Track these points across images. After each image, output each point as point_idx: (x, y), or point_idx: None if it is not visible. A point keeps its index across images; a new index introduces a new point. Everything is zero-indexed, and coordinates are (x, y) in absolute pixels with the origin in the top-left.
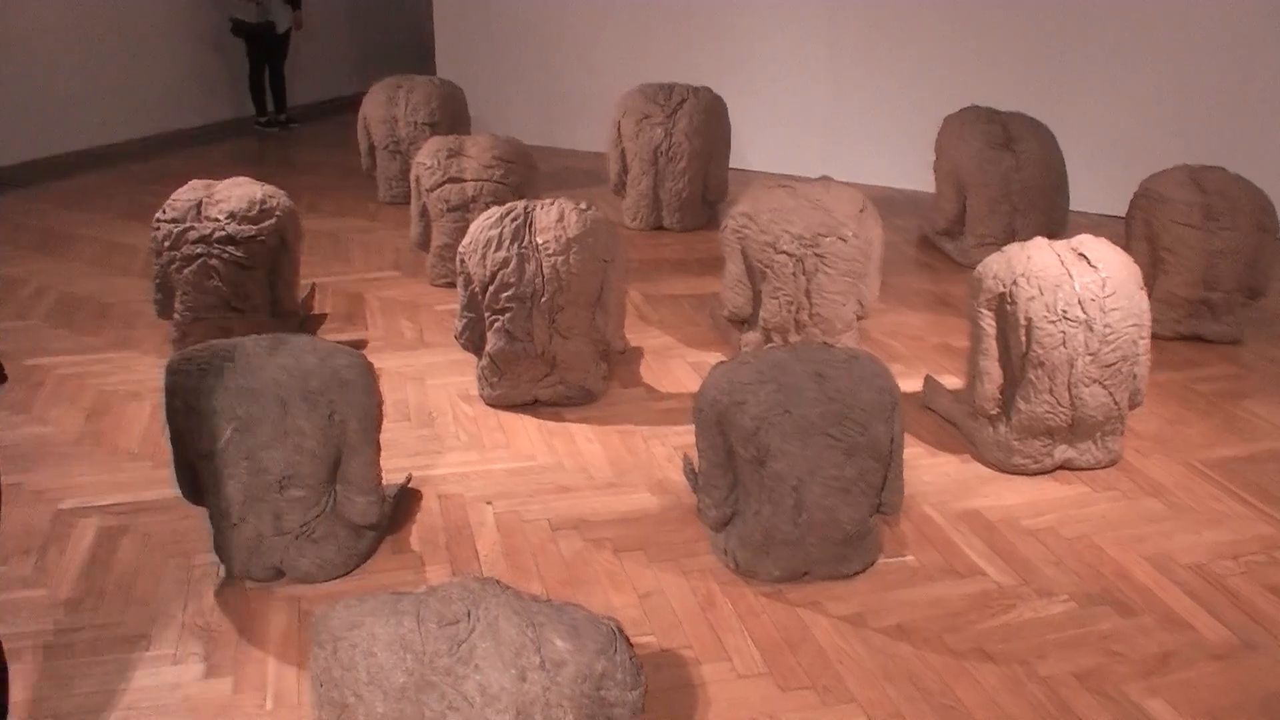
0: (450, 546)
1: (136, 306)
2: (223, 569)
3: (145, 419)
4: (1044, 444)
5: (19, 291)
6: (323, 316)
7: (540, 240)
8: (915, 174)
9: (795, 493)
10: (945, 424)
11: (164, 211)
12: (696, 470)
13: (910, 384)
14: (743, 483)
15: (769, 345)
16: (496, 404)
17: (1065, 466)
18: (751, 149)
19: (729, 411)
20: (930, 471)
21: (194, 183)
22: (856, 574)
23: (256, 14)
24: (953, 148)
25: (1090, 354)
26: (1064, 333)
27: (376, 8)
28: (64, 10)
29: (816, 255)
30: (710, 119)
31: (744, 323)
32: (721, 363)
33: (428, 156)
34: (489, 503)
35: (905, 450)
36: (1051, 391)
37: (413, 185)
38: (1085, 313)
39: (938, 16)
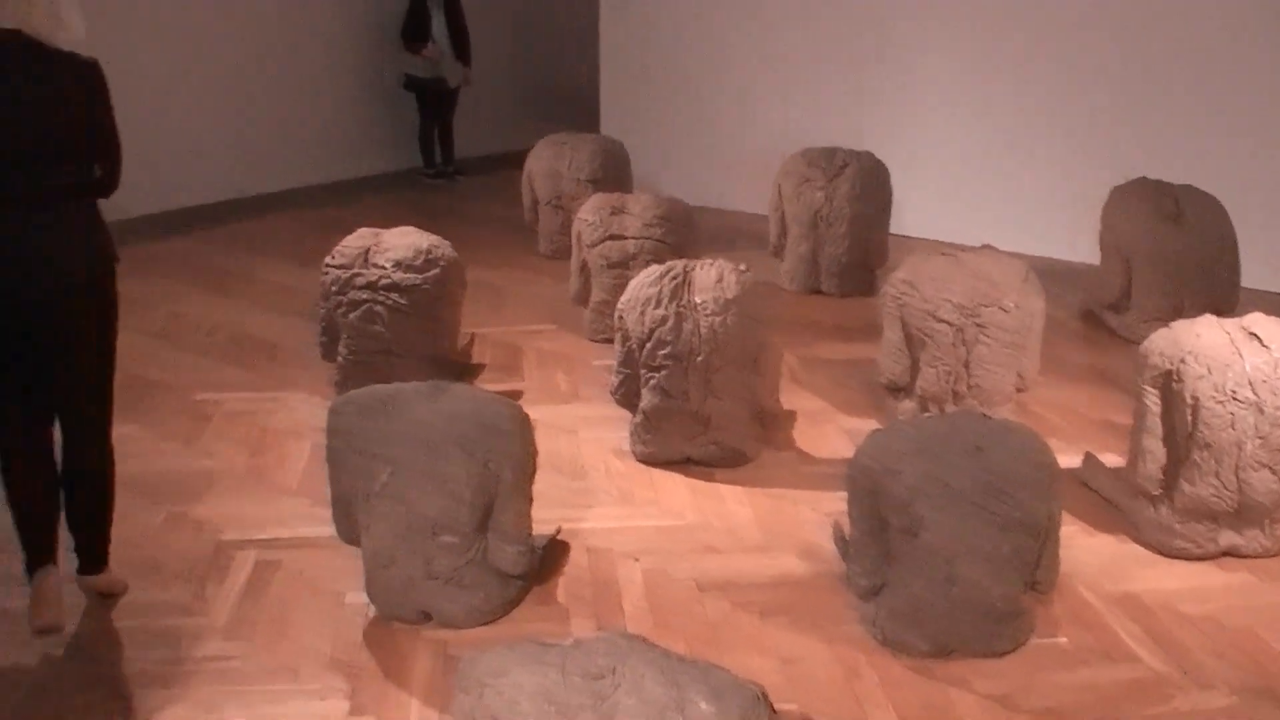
0: (596, 600)
1: (302, 348)
2: (372, 609)
3: (305, 457)
4: (1208, 528)
5: (193, 329)
6: (480, 366)
7: (699, 300)
8: (1080, 245)
9: (947, 566)
10: (1104, 503)
11: (333, 257)
12: (847, 538)
13: (1069, 460)
14: (894, 553)
15: (925, 414)
16: (648, 461)
17: (1229, 553)
18: (913, 215)
19: (882, 480)
20: (1087, 551)
21: (362, 231)
22: (1007, 653)
23: (429, 70)
24: (1120, 220)
25: (1260, 437)
26: (1232, 414)
27: (544, 65)
28: (246, 61)
29: (977, 325)
30: (871, 184)
31: (900, 391)
32: (876, 430)
33: (590, 213)
34: (636, 559)
35: (1062, 528)
36: (1218, 474)
37: (574, 240)
38: (1256, 394)
39: (1107, 85)
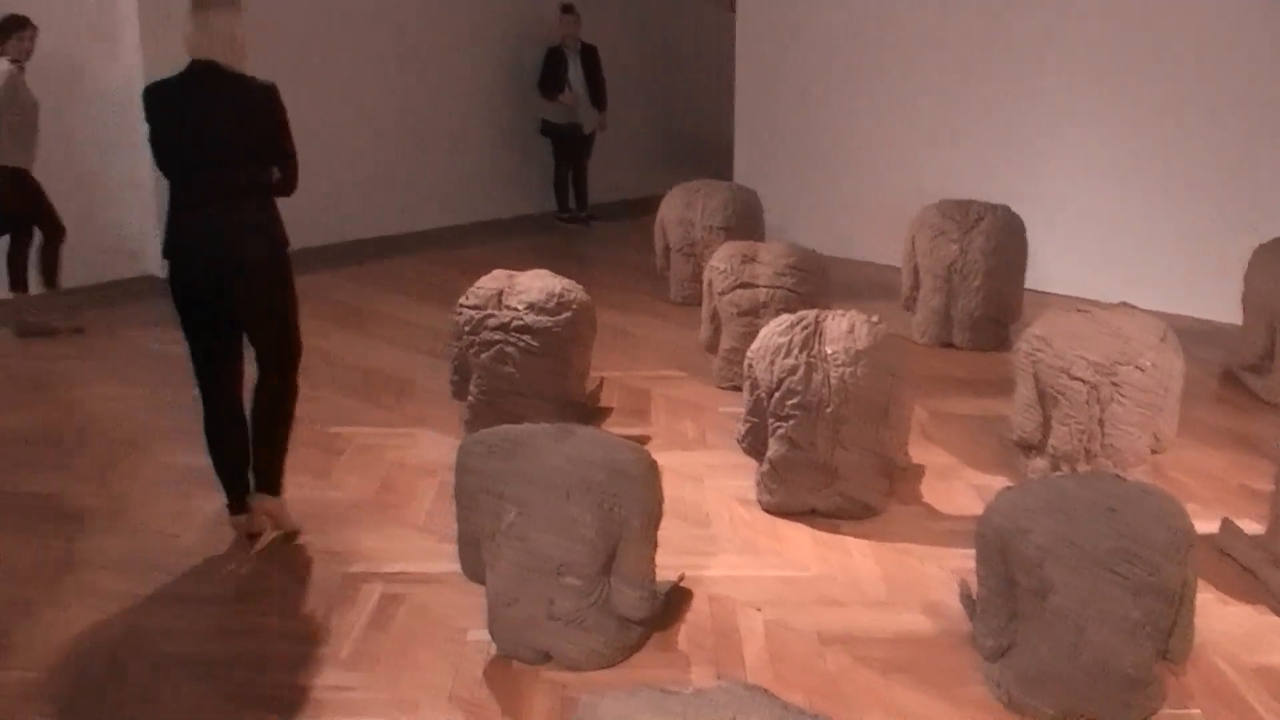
0: (717, 649)
1: (433, 386)
2: (493, 647)
3: (433, 494)
4: None
5: (329, 364)
6: (609, 410)
7: (829, 350)
8: (1221, 304)
9: (1076, 630)
10: (1242, 571)
11: (467, 298)
12: (974, 596)
13: (1205, 525)
14: (1022, 614)
15: (1057, 474)
16: (774, 511)
17: None
18: (1048, 270)
19: (1012, 539)
20: (1223, 620)
21: (497, 272)
22: None
23: (565, 115)
24: (1263, 280)
25: None
26: None
27: (679, 113)
28: (390, 103)
29: (1112, 384)
30: (1007, 238)
31: (1032, 448)
32: (1007, 488)
33: (721, 260)
34: (758, 609)
35: (1197, 596)
36: None
37: (705, 288)
38: None
39: (1252, 142)
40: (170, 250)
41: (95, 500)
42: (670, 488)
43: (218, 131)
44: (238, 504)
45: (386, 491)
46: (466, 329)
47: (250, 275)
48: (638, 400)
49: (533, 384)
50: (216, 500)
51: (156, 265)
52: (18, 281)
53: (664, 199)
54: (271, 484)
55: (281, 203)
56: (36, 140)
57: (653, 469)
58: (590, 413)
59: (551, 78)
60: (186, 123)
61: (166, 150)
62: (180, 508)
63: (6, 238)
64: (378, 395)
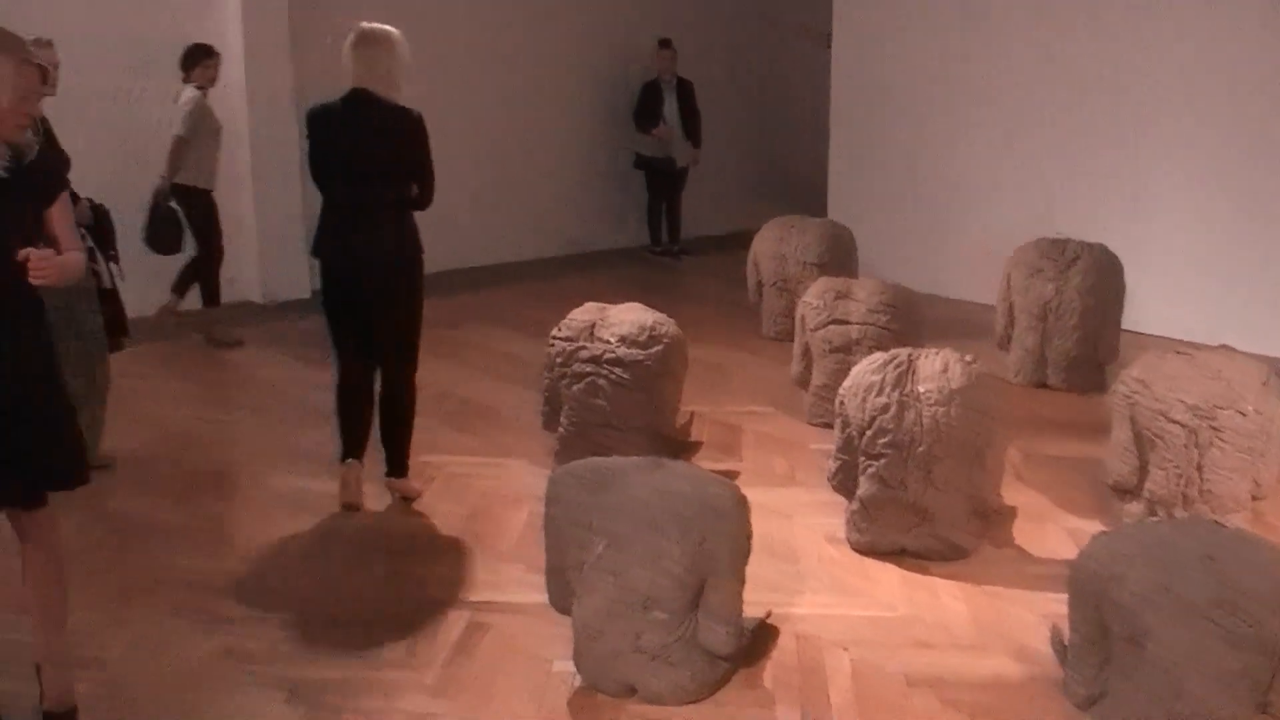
0: (803, 688)
1: (524, 416)
2: (578, 678)
3: (522, 524)
4: None
5: (422, 391)
6: (699, 444)
7: (922, 389)
8: None
9: (1173, 680)
10: None
11: (560, 329)
12: (1065, 642)
13: None
14: (1115, 661)
15: (1153, 519)
16: (863, 550)
17: None
18: (1146, 310)
19: (1107, 585)
20: None
21: (589, 305)
22: None
23: (659, 149)
24: None
25: None
26: None
27: (773, 148)
28: (485, 136)
29: (1212, 428)
30: (1104, 277)
31: (1128, 493)
32: (1102, 533)
33: (814, 296)
34: (845, 649)
35: None
36: None
37: (797, 323)
38: None
39: None
40: (320, 249)
41: (188, 520)
42: (759, 524)
43: (371, 150)
44: (350, 452)
45: (476, 520)
46: (558, 360)
47: (390, 273)
48: (728, 435)
49: (623, 417)
50: (304, 524)
51: (253, 292)
52: (211, 297)
53: (757, 234)
54: (399, 468)
55: None
56: (218, 162)
57: (742, 504)
58: (680, 447)
59: (647, 112)
60: (344, 141)
61: (323, 164)
62: (270, 530)
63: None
64: (469, 424)
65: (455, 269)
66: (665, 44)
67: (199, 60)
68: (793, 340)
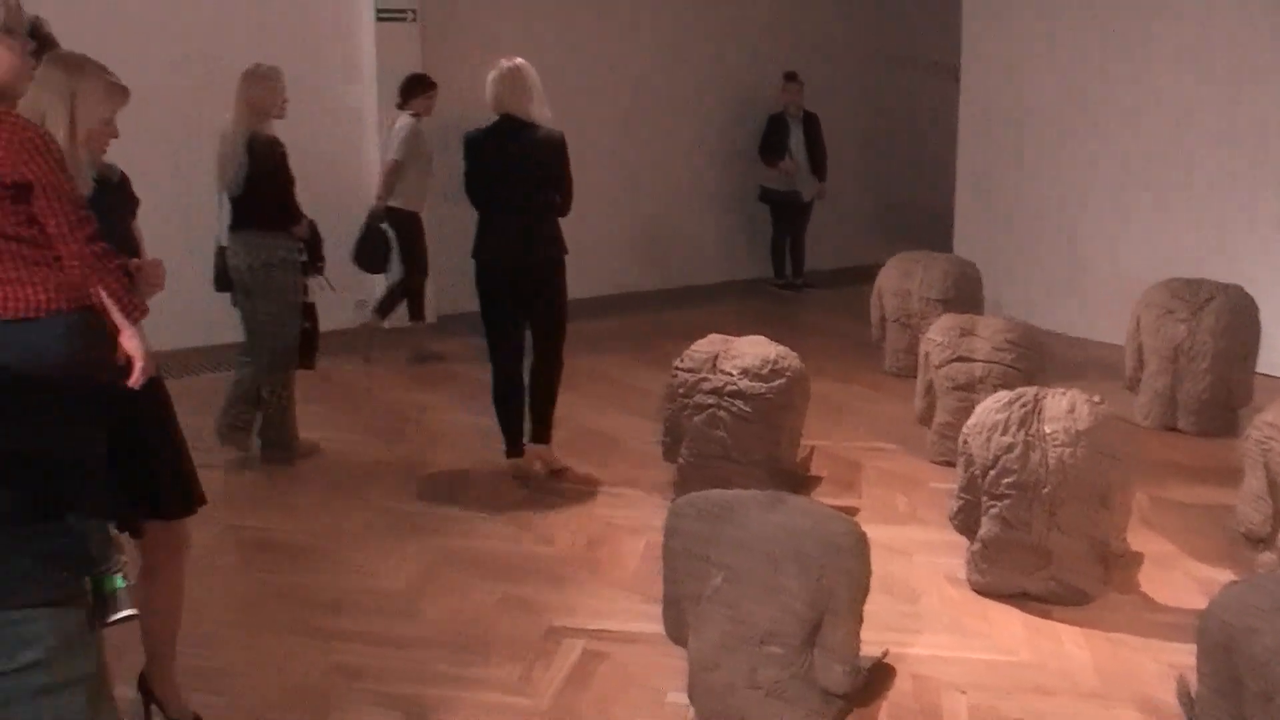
0: None
1: (644, 446)
2: (692, 710)
3: (640, 554)
4: None
5: None
6: (819, 479)
7: (1048, 430)
8: None
9: None
10: None
11: (682, 360)
12: (1193, 695)
13: None
14: (1246, 717)
15: None
16: (983, 591)
17: None
18: None
19: (1239, 638)
20: None
21: (713, 337)
22: None
23: (784, 183)
24: None
25: None
26: None
27: (899, 183)
28: (610, 168)
29: None
30: (1238, 319)
31: (1260, 542)
32: (1233, 583)
33: (939, 333)
34: (963, 692)
35: None
36: None
37: (921, 360)
38: None
39: None
40: (479, 253)
41: (309, 537)
42: (878, 562)
43: (521, 166)
44: (515, 449)
45: (594, 548)
46: (680, 392)
47: (540, 270)
48: (848, 471)
49: (744, 449)
50: (422, 545)
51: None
52: (417, 312)
53: (882, 269)
54: (544, 435)
55: None
56: (428, 187)
57: (862, 541)
58: (800, 481)
59: (772, 145)
60: (498, 159)
61: (479, 181)
62: (389, 551)
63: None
64: (590, 453)
65: (578, 298)
66: (791, 77)
67: (419, 90)
68: (915, 377)
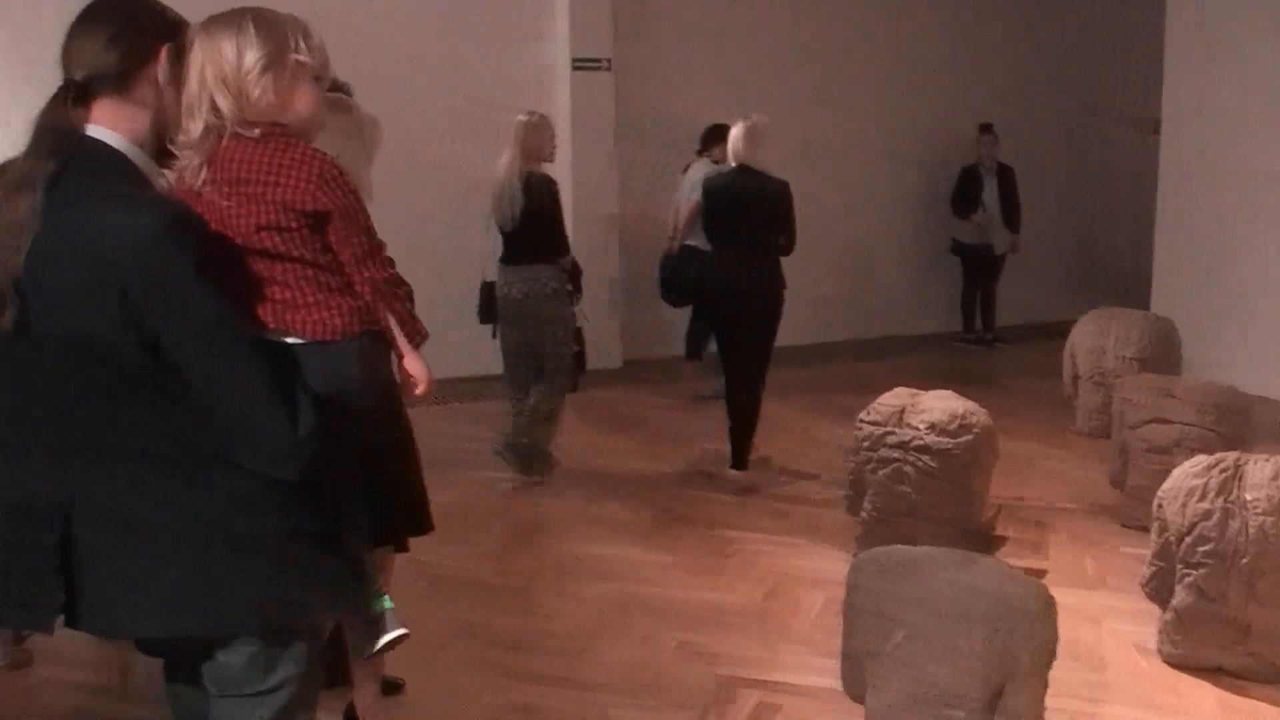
0: None
1: (825, 498)
2: None
3: (818, 607)
4: None
5: (724, 467)
6: (1005, 539)
7: (1249, 497)
8: None
9: None
10: None
11: (868, 413)
12: None
13: None
14: None
15: None
16: (1175, 663)
17: None
18: None
19: None
20: None
21: (899, 390)
22: None
23: (977, 235)
24: None
25: None
26: None
27: (1095, 237)
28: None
29: None
30: None
31: None
32: None
33: (1134, 392)
34: None
35: None
36: None
37: (1115, 419)
38: None
39: None
40: (708, 281)
41: (495, 576)
42: (1065, 627)
43: (752, 209)
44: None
45: (772, 599)
46: (865, 445)
47: (757, 300)
48: (1036, 532)
49: (929, 506)
50: (604, 590)
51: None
52: (694, 350)
53: (1075, 325)
54: (740, 462)
55: None
56: None
57: (1049, 605)
58: (986, 540)
59: (965, 196)
60: (734, 203)
61: (715, 220)
62: (570, 593)
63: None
64: (771, 502)
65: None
66: (986, 129)
67: (717, 138)
68: (1108, 437)
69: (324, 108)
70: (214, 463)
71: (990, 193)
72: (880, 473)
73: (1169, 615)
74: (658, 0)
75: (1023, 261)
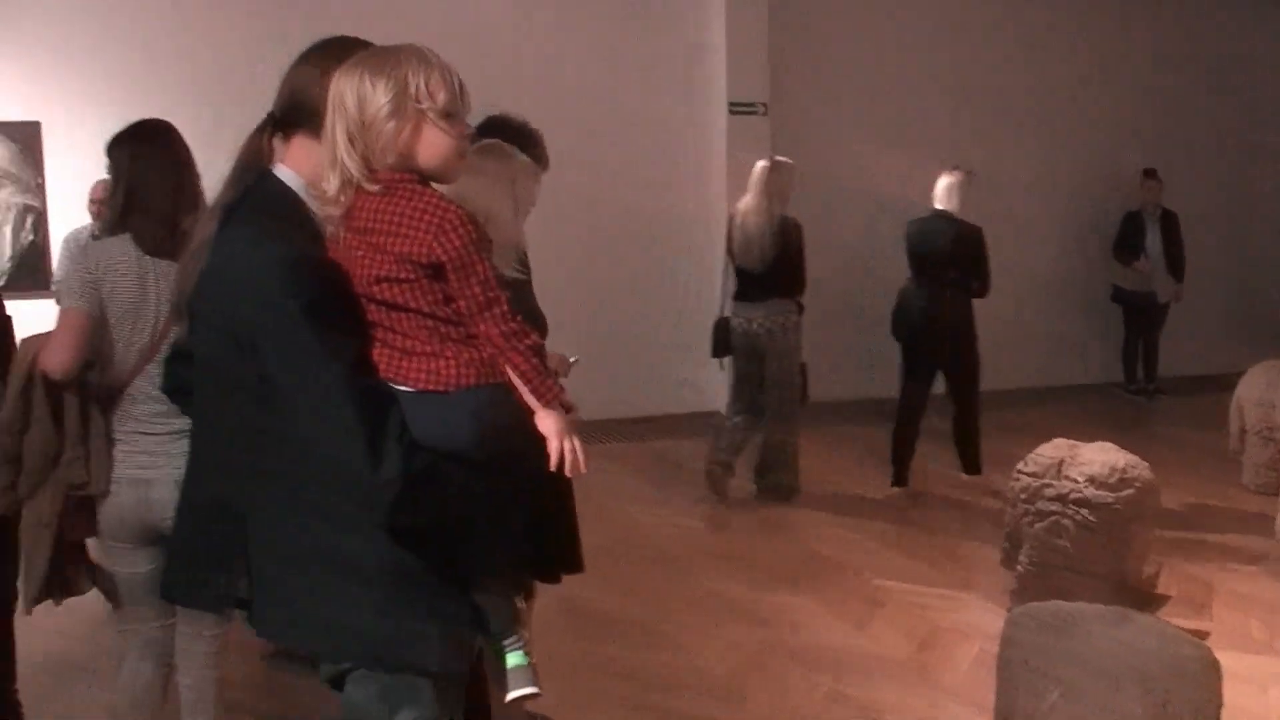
0: None
1: (982, 550)
2: None
3: (971, 660)
4: None
5: (873, 513)
6: (1166, 598)
7: None
8: None
9: None
10: None
11: (1025, 464)
12: None
13: None
14: None
15: None
16: None
17: None
18: None
19: None
20: None
21: (1058, 441)
22: None
23: (1139, 283)
24: None
25: None
26: None
27: (1264, 286)
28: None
29: None
30: None
31: None
32: None
33: None
34: None
35: None
36: None
37: None
38: None
39: None
40: (906, 314)
41: (639, 613)
42: (1229, 692)
43: (943, 248)
44: (899, 480)
45: (924, 651)
46: (1022, 496)
47: (949, 332)
48: (1200, 591)
49: (1087, 561)
50: (753, 631)
51: (720, 400)
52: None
53: (1242, 377)
54: (973, 468)
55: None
56: None
57: (1212, 668)
58: (1147, 599)
59: (1128, 243)
60: (924, 243)
61: (914, 258)
62: (711, 634)
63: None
64: (925, 553)
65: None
66: (1150, 174)
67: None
68: (1277, 494)
69: (456, 148)
70: (327, 491)
71: (1154, 239)
72: (1037, 525)
73: None
74: (814, 44)
75: (1187, 310)
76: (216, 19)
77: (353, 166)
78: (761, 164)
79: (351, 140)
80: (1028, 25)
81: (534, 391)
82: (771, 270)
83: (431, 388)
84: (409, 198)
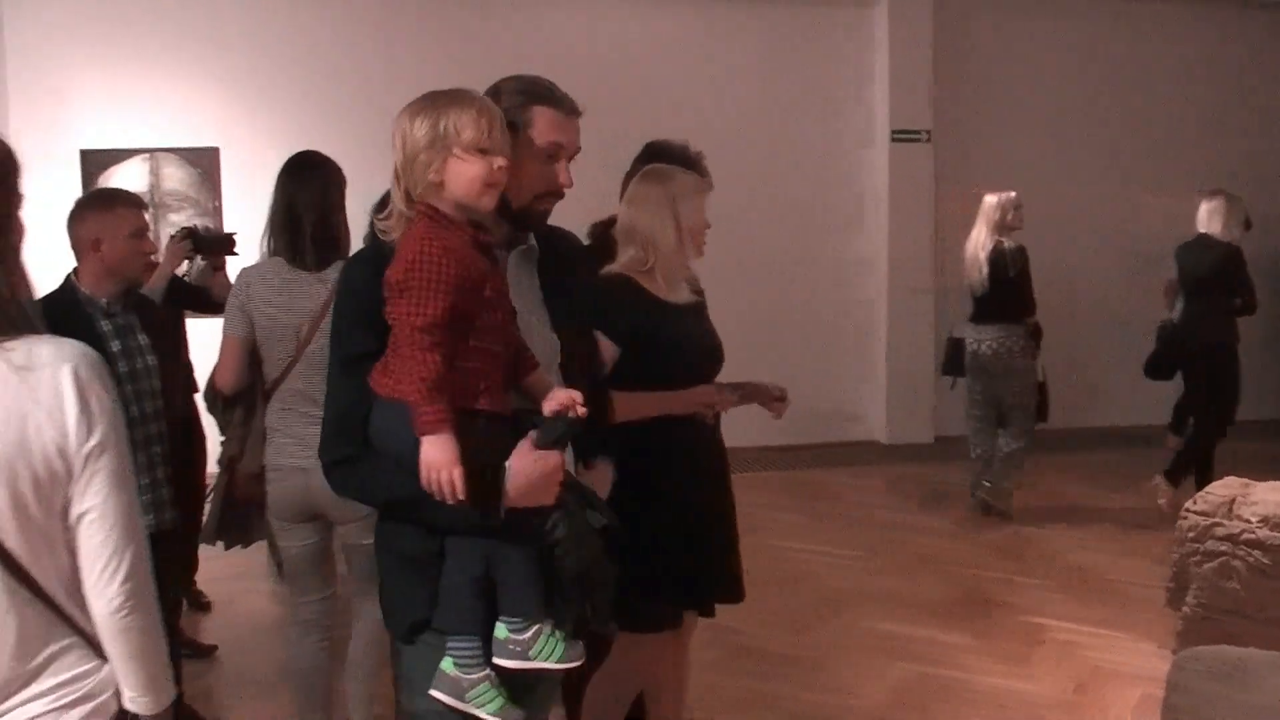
0: None
1: (1146, 590)
2: None
3: (1133, 705)
4: None
5: (1038, 551)
6: None
7: None
8: None
9: None
10: None
11: (1195, 502)
12: None
13: None
14: None
15: None
16: None
17: None
18: None
19: None
20: None
21: (1230, 479)
22: None
23: None
24: None
25: None
26: None
27: None
28: (1122, 300)
29: None
30: None
31: None
32: None
33: None
34: None
35: None
36: None
37: None
38: None
39: None
40: (1162, 334)
41: (792, 649)
42: None
43: (1205, 272)
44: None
45: (1082, 693)
46: (1190, 535)
47: (1204, 351)
48: None
49: (1260, 605)
50: (905, 668)
51: (878, 430)
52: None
53: None
54: (1173, 477)
55: None
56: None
57: None
58: None
59: None
60: (1184, 267)
61: (1181, 283)
62: (870, 670)
63: None
64: (1084, 591)
65: (1084, 427)
66: None
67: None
68: None
69: (482, 178)
70: None
71: None
72: (1206, 566)
73: None
74: (977, 70)
75: None
76: (394, 53)
77: (398, 198)
78: (987, 198)
79: (397, 176)
80: (1195, 44)
81: (413, 418)
82: (992, 294)
83: (377, 391)
84: (411, 227)
